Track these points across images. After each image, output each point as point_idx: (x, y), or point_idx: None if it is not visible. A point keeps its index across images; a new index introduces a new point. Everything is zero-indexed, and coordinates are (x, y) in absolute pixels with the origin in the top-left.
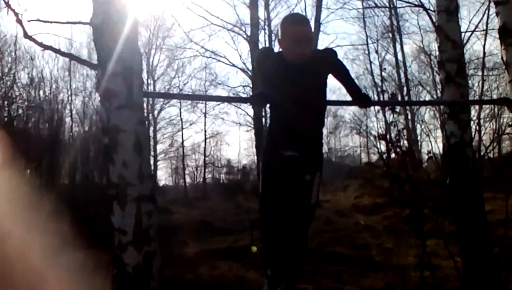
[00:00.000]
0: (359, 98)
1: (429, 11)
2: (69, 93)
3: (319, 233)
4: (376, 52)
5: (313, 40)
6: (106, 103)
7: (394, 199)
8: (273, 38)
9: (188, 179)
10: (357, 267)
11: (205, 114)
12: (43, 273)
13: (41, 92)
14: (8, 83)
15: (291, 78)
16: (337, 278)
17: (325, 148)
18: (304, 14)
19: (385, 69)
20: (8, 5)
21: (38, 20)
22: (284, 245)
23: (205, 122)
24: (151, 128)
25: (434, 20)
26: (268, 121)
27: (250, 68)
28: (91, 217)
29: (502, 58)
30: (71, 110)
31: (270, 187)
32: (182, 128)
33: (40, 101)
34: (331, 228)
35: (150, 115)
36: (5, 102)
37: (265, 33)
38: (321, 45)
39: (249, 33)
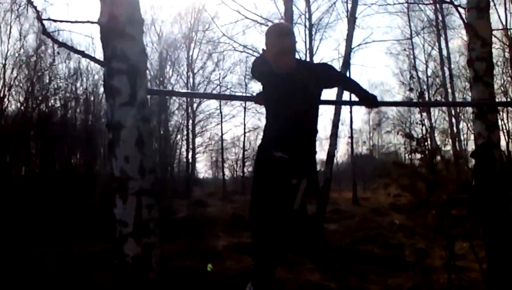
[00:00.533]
0: (366, 99)
1: (459, 7)
2: None
3: (352, 232)
4: (423, 46)
5: (294, 51)
6: (110, 100)
7: (421, 200)
8: (314, 31)
9: (228, 173)
10: (387, 266)
11: (244, 108)
12: None
13: (78, 84)
14: (47, 76)
15: (279, 86)
16: (364, 277)
17: (367, 145)
18: (346, 8)
19: (414, 67)
20: (30, 1)
21: (49, 19)
22: (268, 244)
23: (244, 115)
24: (190, 121)
25: (463, 17)
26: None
27: None
28: None
29: None
30: None
31: (259, 185)
32: (222, 121)
33: (76, 93)
34: (366, 227)
35: (190, 108)
36: (46, 94)
37: (305, 27)
38: (358, 40)
39: None
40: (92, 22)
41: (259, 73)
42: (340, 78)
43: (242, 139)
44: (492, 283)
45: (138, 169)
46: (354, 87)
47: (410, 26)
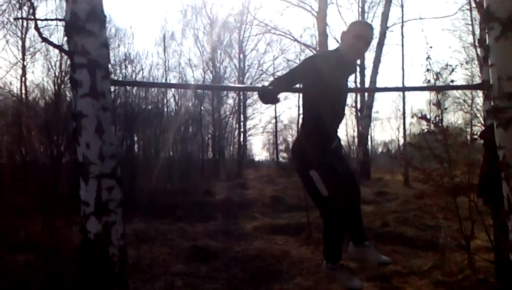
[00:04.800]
0: None
1: None
2: (165, 68)
3: (387, 213)
4: None
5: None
6: (73, 91)
7: (436, 182)
8: (366, 9)
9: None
10: (418, 247)
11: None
12: None
13: (130, 68)
14: None
15: (346, 72)
16: (388, 256)
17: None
18: None
19: (429, 57)
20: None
21: (22, 18)
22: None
23: (298, 97)
24: (241, 104)
25: None
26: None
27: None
28: (184, 190)
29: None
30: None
31: (337, 176)
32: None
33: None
34: (405, 209)
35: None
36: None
37: (358, 5)
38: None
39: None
40: (59, 20)
41: (328, 62)
42: None
43: (296, 120)
44: (499, 263)
45: (98, 154)
46: None
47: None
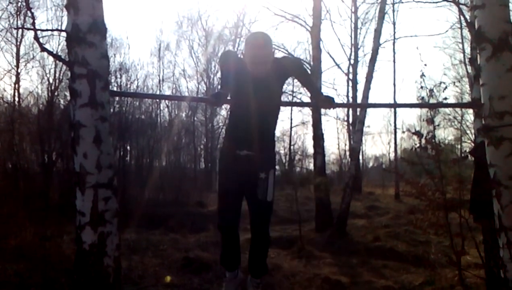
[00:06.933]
0: (324, 100)
1: (460, 5)
2: (160, 79)
3: (379, 228)
4: None
5: (271, 60)
6: (72, 101)
7: (427, 198)
8: (359, 25)
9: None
10: (407, 262)
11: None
12: None
13: (125, 78)
14: None
15: (251, 87)
16: (379, 272)
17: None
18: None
19: (423, 75)
20: (29, 8)
21: (22, 28)
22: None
23: (291, 110)
24: None
25: (466, 16)
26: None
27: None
28: (176, 201)
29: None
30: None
31: (226, 185)
32: None
33: (127, 87)
34: (396, 223)
35: None
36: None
37: (351, 21)
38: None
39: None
40: (60, 30)
41: (232, 68)
42: (305, 75)
43: (288, 133)
44: (489, 278)
45: (95, 164)
46: (314, 87)
47: (460, 18)
